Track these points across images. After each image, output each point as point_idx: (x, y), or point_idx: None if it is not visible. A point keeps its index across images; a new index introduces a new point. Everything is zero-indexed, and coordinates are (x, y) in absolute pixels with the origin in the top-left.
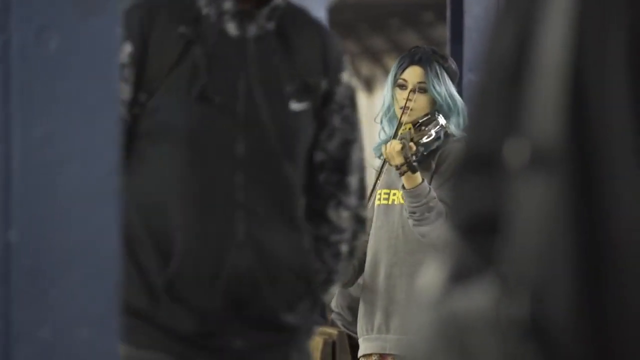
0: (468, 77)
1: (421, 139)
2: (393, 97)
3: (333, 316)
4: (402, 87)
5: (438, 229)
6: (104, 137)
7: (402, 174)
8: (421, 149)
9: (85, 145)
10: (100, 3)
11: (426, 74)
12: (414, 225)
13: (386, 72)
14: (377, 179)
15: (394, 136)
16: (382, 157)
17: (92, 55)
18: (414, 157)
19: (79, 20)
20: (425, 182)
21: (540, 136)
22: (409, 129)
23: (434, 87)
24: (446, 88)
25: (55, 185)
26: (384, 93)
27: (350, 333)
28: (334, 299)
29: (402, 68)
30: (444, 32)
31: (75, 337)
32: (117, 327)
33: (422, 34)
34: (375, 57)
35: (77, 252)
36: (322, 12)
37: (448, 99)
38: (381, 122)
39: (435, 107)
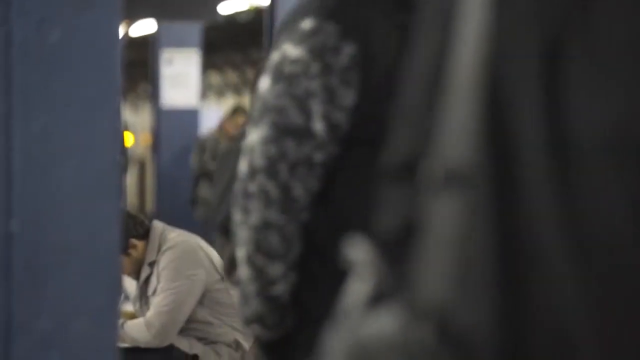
0: None
1: None
2: None
3: None
4: None
5: None
6: (104, 130)
7: None
8: None
9: (85, 139)
10: None
11: None
12: None
13: None
14: None
15: None
16: None
17: (92, 48)
18: None
19: (78, 13)
20: None
21: (454, 155)
22: None
23: None
24: None
25: (55, 179)
26: None
27: None
28: None
29: None
30: None
31: (73, 329)
32: (115, 319)
33: None
34: None
35: (77, 245)
36: None
37: None
38: None
39: None
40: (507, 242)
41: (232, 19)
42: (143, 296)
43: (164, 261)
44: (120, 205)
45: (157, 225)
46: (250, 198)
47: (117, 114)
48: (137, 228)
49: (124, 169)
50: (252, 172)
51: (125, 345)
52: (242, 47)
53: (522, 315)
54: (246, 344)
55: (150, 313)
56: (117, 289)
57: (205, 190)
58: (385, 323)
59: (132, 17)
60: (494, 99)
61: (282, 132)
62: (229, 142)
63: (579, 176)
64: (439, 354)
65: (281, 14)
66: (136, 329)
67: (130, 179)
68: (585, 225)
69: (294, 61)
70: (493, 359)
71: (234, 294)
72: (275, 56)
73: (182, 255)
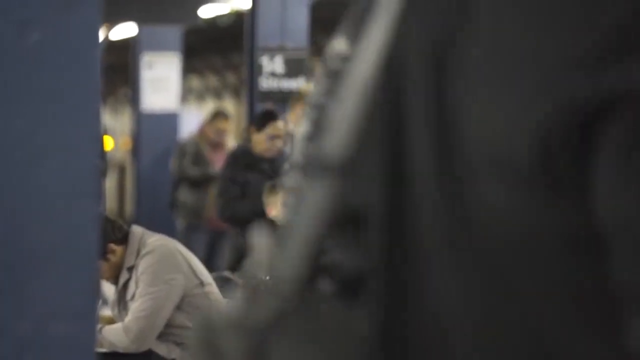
0: None
1: None
2: None
3: None
4: None
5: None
6: (84, 133)
7: None
8: None
9: (64, 141)
10: None
11: None
12: None
13: None
14: None
15: None
16: None
17: (72, 50)
18: None
19: (59, 15)
20: None
21: (331, 145)
22: None
23: None
24: None
25: (34, 180)
26: None
27: None
28: None
29: None
30: None
31: (53, 332)
32: (93, 322)
33: None
34: None
35: (56, 247)
36: (304, 9)
37: None
38: None
39: None
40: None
41: (213, 22)
42: (121, 301)
43: (142, 266)
44: (99, 208)
45: (136, 229)
46: None
47: (96, 116)
48: (115, 233)
49: (103, 173)
50: None
51: (104, 350)
52: (222, 51)
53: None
54: None
55: (128, 318)
56: (96, 292)
57: (185, 195)
58: (230, 303)
59: (112, 21)
60: (384, 95)
61: None
62: (209, 146)
63: (467, 186)
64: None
65: (262, 18)
66: (114, 334)
67: (110, 183)
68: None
69: None
70: None
71: (214, 299)
72: None
73: (160, 259)
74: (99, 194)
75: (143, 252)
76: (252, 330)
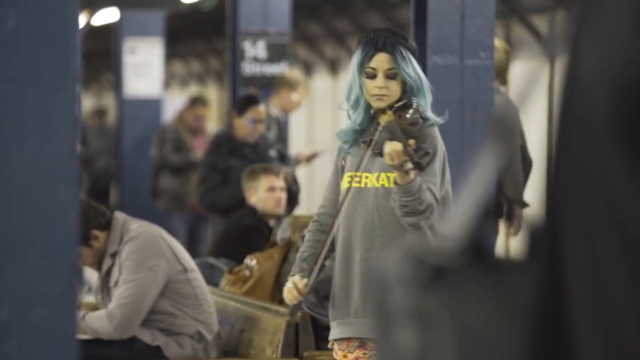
0: (432, 59)
1: (411, 127)
2: (361, 85)
3: (308, 312)
4: (372, 76)
5: (426, 219)
6: (61, 117)
7: (405, 173)
8: (425, 146)
9: (42, 125)
10: None
11: (394, 59)
12: (402, 216)
13: (351, 53)
14: (341, 166)
15: (373, 126)
16: (346, 142)
17: (48, 34)
18: (415, 154)
19: None
20: (418, 178)
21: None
22: (389, 116)
23: (405, 71)
24: (413, 69)
25: (11, 164)
26: (349, 81)
27: (314, 314)
28: (311, 297)
29: (368, 57)
30: (408, 14)
31: (32, 316)
32: (73, 306)
33: (386, 16)
34: (340, 39)
35: (34, 231)
36: None
37: (417, 79)
38: (347, 111)
39: (405, 89)
40: None
41: (195, 7)
42: (105, 287)
43: (125, 252)
44: (77, 191)
45: (119, 216)
46: None
47: (74, 100)
48: (98, 219)
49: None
50: None
51: (86, 337)
52: (205, 36)
53: None
54: (208, 335)
55: (112, 305)
56: (76, 276)
57: (166, 181)
58: (393, 266)
59: (94, 6)
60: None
61: None
62: (189, 132)
63: None
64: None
65: (244, 3)
66: (97, 321)
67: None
68: None
69: None
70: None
71: (197, 286)
72: None
73: (143, 246)
74: (77, 178)
75: (126, 238)
76: (417, 286)
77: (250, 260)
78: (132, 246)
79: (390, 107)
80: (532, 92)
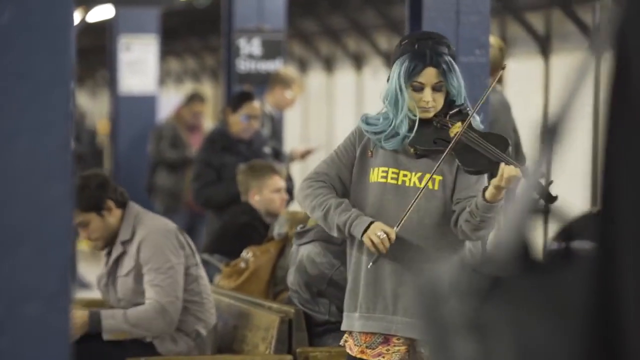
0: None
1: (480, 136)
2: (406, 95)
3: (290, 294)
4: (419, 89)
5: (491, 232)
6: (56, 112)
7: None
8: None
9: (36, 121)
10: None
11: (442, 73)
12: (474, 230)
13: (345, 51)
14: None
15: (439, 135)
16: (377, 138)
17: (44, 29)
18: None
19: None
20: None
21: None
22: (458, 127)
23: (451, 84)
24: (457, 79)
25: (5, 160)
26: (391, 87)
27: (307, 311)
28: (291, 276)
29: (417, 71)
30: (403, 10)
31: (25, 313)
32: (67, 302)
33: (382, 13)
34: (335, 36)
35: (28, 227)
36: None
37: (461, 88)
38: (381, 112)
39: (450, 96)
40: None
41: (190, 5)
42: (112, 275)
43: (148, 246)
44: (71, 188)
45: (134, 205)
46: None
47: (68, 96)
48: (117, 193)
49: (81, 156)
50: None
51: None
52: (200, 33)
53: None
54: (205, 333)
55: (156, 301)
56: (70, 272)
57: (163, 178)
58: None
59: (89, 3)
60: None
61: None
62: (186, 129)
63: None
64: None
65: (239, 0)
66: (146, 320)
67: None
68: None
69: None
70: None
71: (203, 284)
72: None
73: (165, 239)
74: (71, 174)
75: (142, 231)
76: (473, 296)
77: (247, 253)
78: (155, 240)
79: (445, 114)
80: (581, 85)
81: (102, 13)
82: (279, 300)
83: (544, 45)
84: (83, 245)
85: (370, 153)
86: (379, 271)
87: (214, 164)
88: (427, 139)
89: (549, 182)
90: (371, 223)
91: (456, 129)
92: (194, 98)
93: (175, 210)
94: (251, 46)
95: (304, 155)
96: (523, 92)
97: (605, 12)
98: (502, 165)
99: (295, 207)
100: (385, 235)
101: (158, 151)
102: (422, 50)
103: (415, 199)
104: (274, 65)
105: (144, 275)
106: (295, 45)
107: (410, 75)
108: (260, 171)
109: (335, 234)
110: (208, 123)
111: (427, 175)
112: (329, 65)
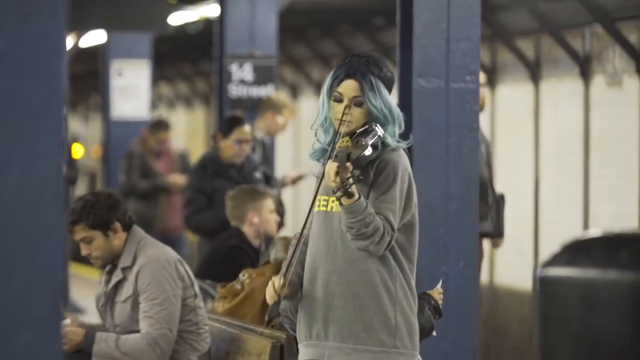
0: (418, 82)
1: (360, 152)
2: (329, 108)
3: (281, 319)
4: (338, 100)
5: (375, 244)
6: (48, 139)
7: (338, 198)
8: (356, 172)
9: (28, 148)
10: (42, 5)
11: (361, 87)
12: (351, 239)
13: None
14: (318, 185)
15: (331, 149)
16: (322, 162)
17: (37, 57)
18: (350, 180)
19: (23, 22)
20: (362, 199)
21: None
22: (347, 142)
23: (370, 101)
24: (382, 100)
25: None
26: (320, 100)
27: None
28: (283, 302)
29: (337, 81)
30: (394, 37)
31: (17, 340)
32: (58, 328)
33: (373, 39)
34: (326, 61)
35: (20, 254)
36: (273, 17)
37: (384, 109)
38: (316, 131)
39: (372, 117)
40: None
41: (182, 30)
42: (109, 300)
43: (145, 276)
44: (63, 215)
45: (138, 230)
46: None
47: (60, 123)
48: (125, 215)
49: (73, 181)
50: None
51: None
52: (192, 58)
53: None
54: None
55: (148, 332)
56: (61, 299)
57: (134, 205)
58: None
59: (82, 28)
60: None
61: None
62: (153, 155)
63: None
64: None
65: (231, 25)
66: (138, 350)
67: (81, 190)
68: None
69: None
70: None
71: (200, 314)
72: None
73: (164, 271)
74: (63, 201)
75: (142, 259)
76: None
77: (243, 275)
78: (153, 270)
79: (352, 133)
80: None
81: (95, 38)
82: (274, 324)
83: (534, 71)
84: (77, 271)
85: (318, 184)
86: (311, 299)
87: (206, 190)
88: (331, 155)
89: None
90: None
91: (344, 142)
92: (159, 125)
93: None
94: (243, 72)
95: (296, 180)
96: (513, 118)
97: (594, 39)
98: (328, 162)
99: (284, 233)
100: (270, 285)
101: (129, 182)
102: (348, 64)
103: (297, 247)
104: (266, 91)
105: (140, 304)
106: (287, 70)
107: (332, 85)
108: (255, 194)
109: None
110: (176, 147)
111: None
112: (320, 90)
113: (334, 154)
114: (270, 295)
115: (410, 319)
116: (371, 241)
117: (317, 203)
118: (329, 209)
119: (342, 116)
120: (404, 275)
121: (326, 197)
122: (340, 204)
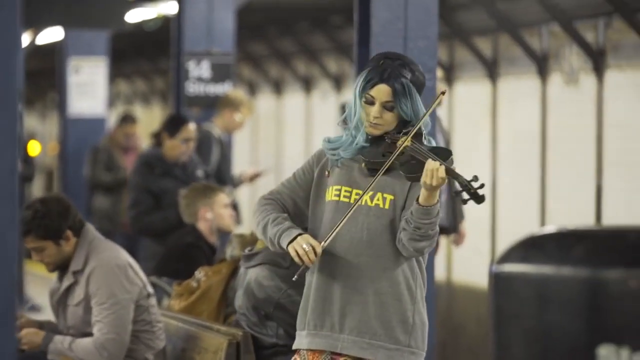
0: None
1: (424, 149)
2: (359, 106)
3: (237, 317)
4: (370, 103)
5: (431, 246)
6: (2, 137)
7: (457, 196)
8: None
9: None
10: None
11: (394, 92)
12: (411, 239)
13: (295, 74)
14: (375, 178)
15: (385, 148)
16: (335, 153)
17: None
18: (471, 184)
19: None
20: (438, 202)
21: None
22: (409, 141)
23: (401, 106)
24: (412, 105)
25: None
26: (352, 99)
27: (255, 334)
28: (239, 299)
29: (370, 84)
30: (352, 35)
31: None
32: (13, 325)
33: (331, 37)
34: (284, 60)
35: None
36: (231, 15)
37: (413, 114)
38: (347, 127)
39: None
40: None
41: (139, 27)
42: (61, 303)
43: (96, 280)
44: (18, 211)
45: (89, 230)
46: None
47: (15, 120)
48: (76, 221)
49: (29, 178)
50: None
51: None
52: (150, 55)
53: None
54: (153, 359)
55: (98, 337)
56: (15, 295)
57: (100, 201)
58: None
59: (39, 25)
60: None
61: None
62: (120, 150)
63: None
64: None
65: (188, 23)
66: (88, 354)
67: (38, 188)
68: None
69: None
70: None
71: (153, 312)
72: None
73: (115, 275)
74: (18, 197)
75: (93, 263)
76: None
77: (199, 272)
78: (103, 274)
79: (398, 131)
80: None
81: (52, 35)
82: (230, 321)
83: (492, 69)
84: (33, 268)
85: (327, 173)
86: (328, 290)
87: (153, 190)
88: (377, 153)
89: (474, 179)
90: (299, 235)
91: (402, 141)
92: (126, 119)
93: (112, 232)
94: (200, 69)
95: (253, 178)
96: (471, 116)
97: (551, 37)
98: (428, 161)
99: (242, 229)
100: (310, 248)
101: (93, 174)
102: (382, 67)
103: (346, 216)
104: (223, 88)
105: (92, 308)
106: (245, 68)
107: (364, 87)
108: (206, 190)
109: (270, 246)
110: (143, 143)
111: (379, 194)
112: (278, 88)
113: (396, 152)
114: (311, 260)
115: (425, 320)
116: (430, 243)
117: (334, 193)
118: (352, 200)
119: (373, 118)
120: (422, 275)
121: (348, 188)
122: (418, 202)
